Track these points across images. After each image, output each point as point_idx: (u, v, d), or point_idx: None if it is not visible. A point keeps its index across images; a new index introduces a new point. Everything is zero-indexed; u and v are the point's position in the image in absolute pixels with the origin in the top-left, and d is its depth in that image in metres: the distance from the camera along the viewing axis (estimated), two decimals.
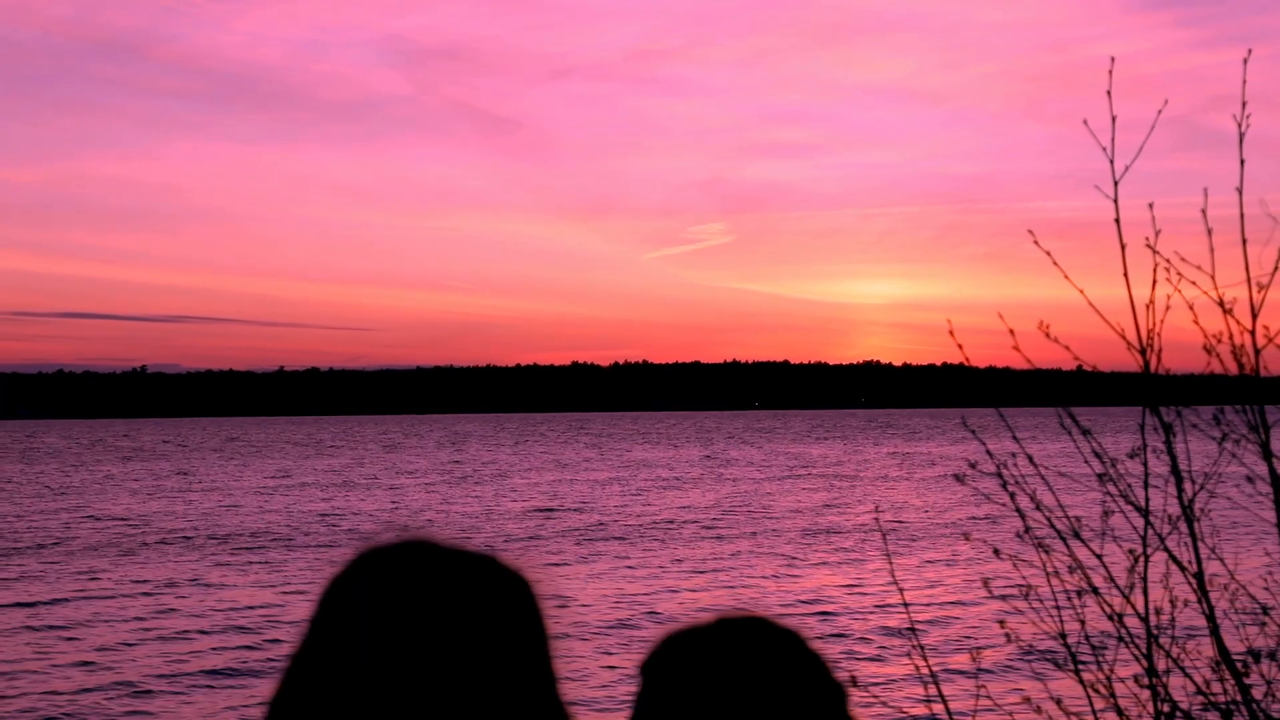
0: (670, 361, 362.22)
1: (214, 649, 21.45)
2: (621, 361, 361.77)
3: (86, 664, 20.36)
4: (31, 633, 23.15)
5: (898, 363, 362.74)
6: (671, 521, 42.88)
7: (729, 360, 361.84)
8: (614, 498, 54.17)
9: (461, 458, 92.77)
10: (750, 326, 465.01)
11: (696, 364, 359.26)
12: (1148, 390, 4.84)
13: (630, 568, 31.14)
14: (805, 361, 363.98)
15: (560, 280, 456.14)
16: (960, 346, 5.17)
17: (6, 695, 18.32)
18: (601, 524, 42.10)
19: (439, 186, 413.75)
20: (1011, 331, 4.88)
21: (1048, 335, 4.86)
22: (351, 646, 1.51)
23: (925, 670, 5.16)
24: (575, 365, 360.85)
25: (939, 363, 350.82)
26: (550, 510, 47.84)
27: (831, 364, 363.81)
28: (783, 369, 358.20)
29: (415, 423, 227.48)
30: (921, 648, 5.28)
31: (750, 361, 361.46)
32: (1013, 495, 5.04)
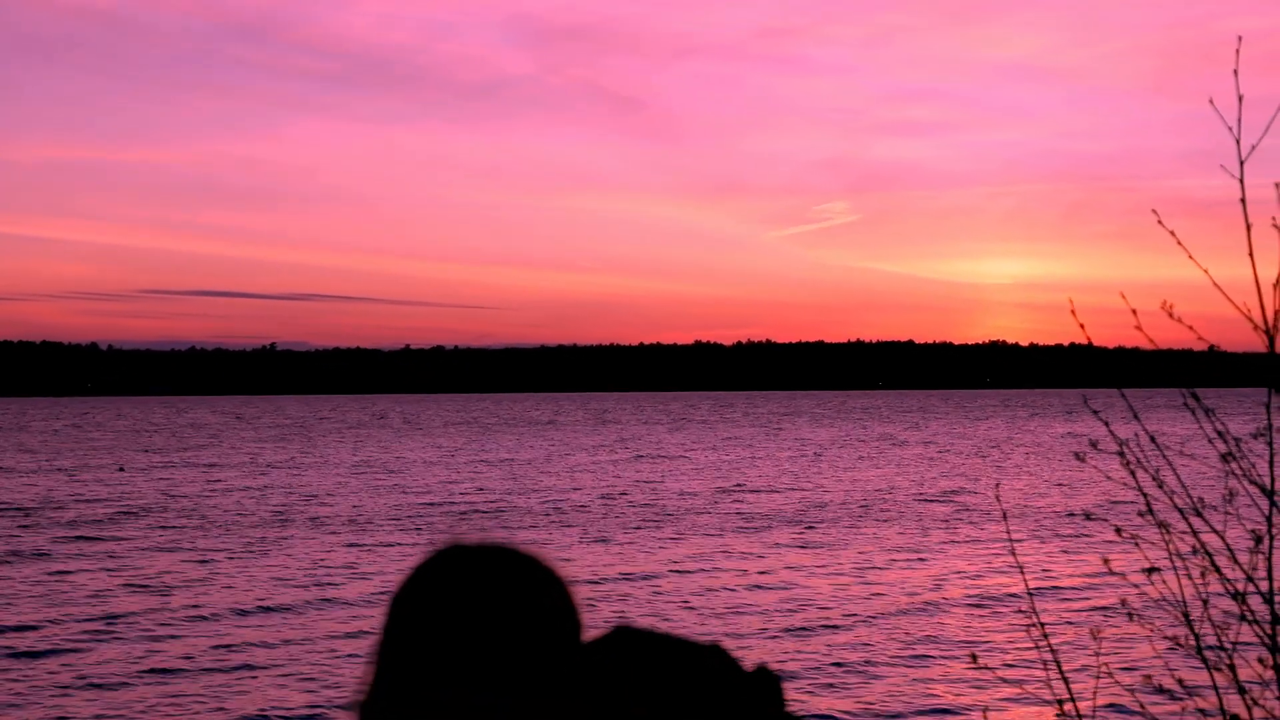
0: (794, 341, 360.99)
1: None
2: (745, 341, 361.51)
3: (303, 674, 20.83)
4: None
5: (1024, 343, 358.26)
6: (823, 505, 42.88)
7: (853, 340, 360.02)
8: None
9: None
10: (874, 306, 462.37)
11: (820, 343, 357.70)
12: (1272, 371, 4.82)
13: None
14: (930, 341, 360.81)
15: (684, 259, 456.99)
16: (1083, 327, 5.19)
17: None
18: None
19: (565, 166, 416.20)
20: (1134, 312, 4.89)
21: (1171, 315, 4.85)
22: (413, 643, 1.74)
23: (1046, 648, 5.20)
24: (699, 344, 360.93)
25: (1066, 343, 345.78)
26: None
27: (957, 344, 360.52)
28: (907, 349, 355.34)
29: (563, 401, 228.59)
30: (1042, 625, 5.31)
31: (874, 341, 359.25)
32: (1134, 474, 5.05)
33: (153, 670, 18.45)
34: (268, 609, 23.01)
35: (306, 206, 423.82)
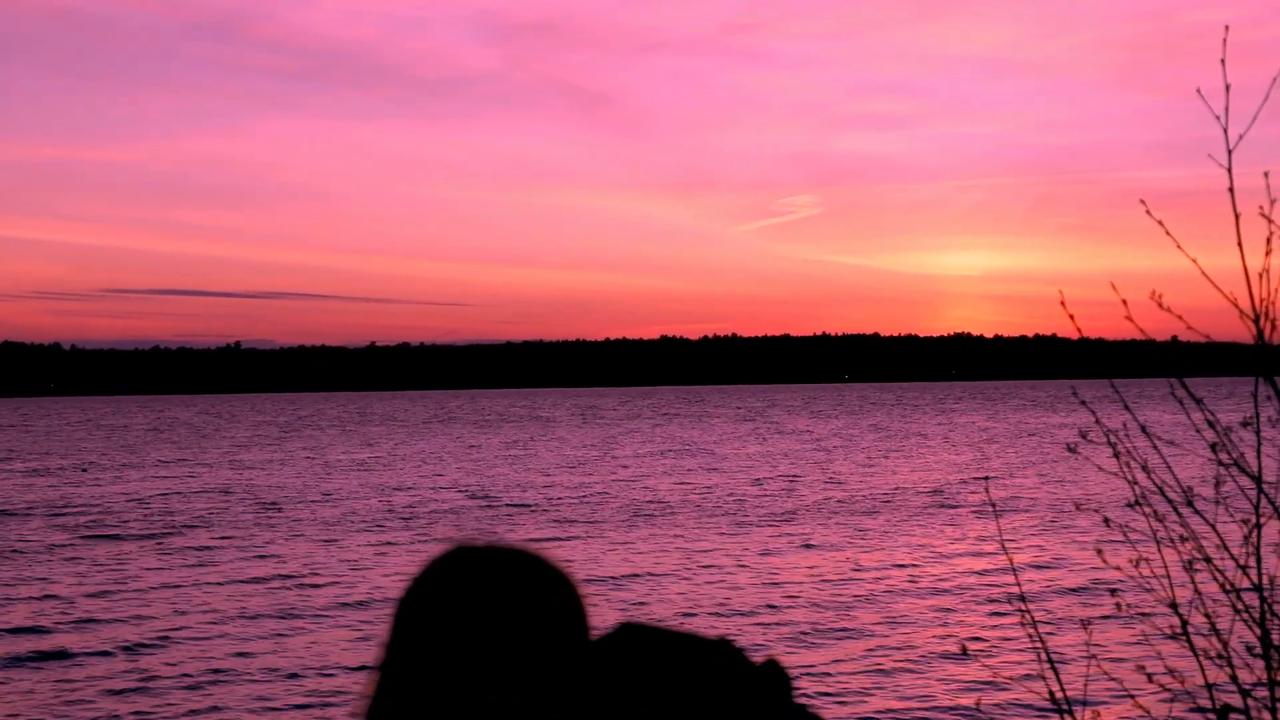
0: (760, 335, 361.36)
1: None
2: (711, 335, 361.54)
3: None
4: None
5: (989, 334, 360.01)
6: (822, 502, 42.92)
7: (819, 333, 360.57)
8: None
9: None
10: (840, 299, 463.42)
11: (786, 337, 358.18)
12: (1262, 360, 4.82)
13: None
14: (896, 334, 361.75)
15: (650, 254, 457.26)
16: (1073, 317, 5.18)
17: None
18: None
19: (531, 162, 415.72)
20: (1124, 302, 4.88)
21: (1160, 305, 4.85)
22: (426, 645, 1.72)
23: (1036, 640, 5.19)
24: (665, 339, 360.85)
25: (1031, 334, 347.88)
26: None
27: (922, 336, 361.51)
28: (873, 341, 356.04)
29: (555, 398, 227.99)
30: (1032, 617, 5.30)
31: (840, 334, 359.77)
32: (1127, 464, 5.04)
33: (153, 677, 18.31)
34: (261, 610, 22.83)
35: (271, 204, 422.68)
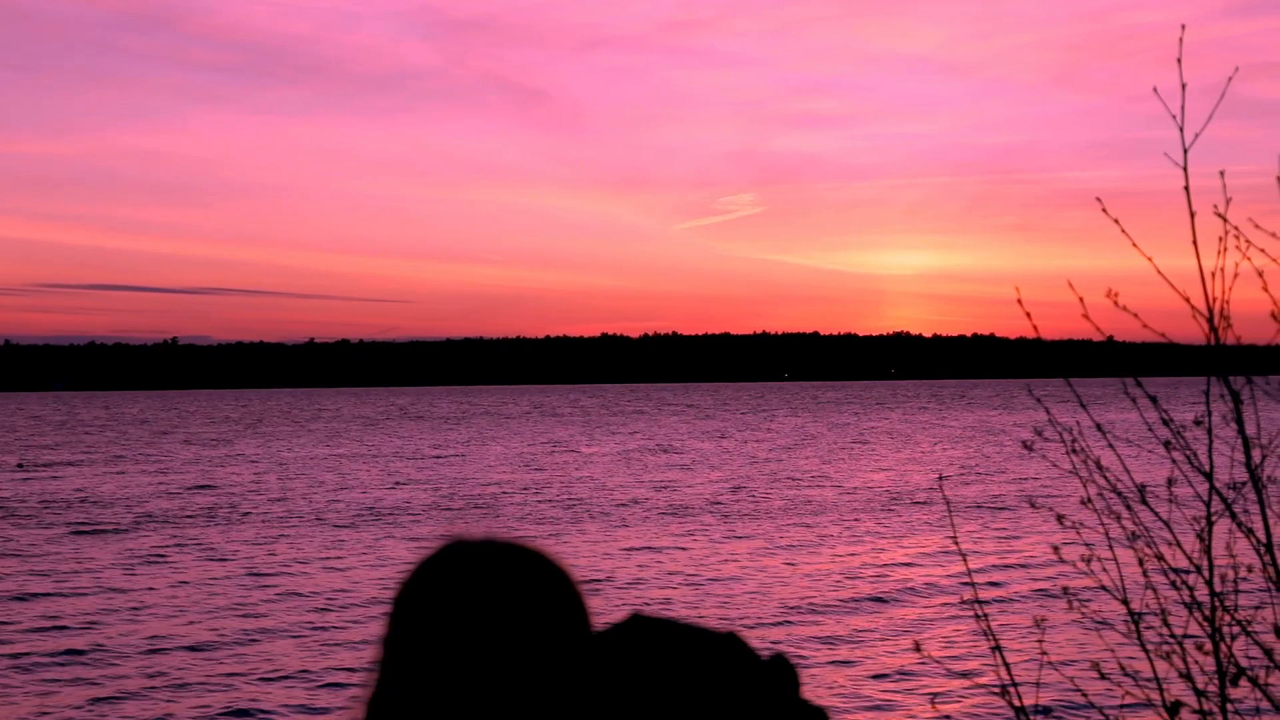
0: (700, 333, 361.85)
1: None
2: (651, 333, 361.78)
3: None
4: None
5: (928, 333, 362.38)
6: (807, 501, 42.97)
7: (758, 332, 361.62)
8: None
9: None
10: (780, 298, 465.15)
11: (726, 335, 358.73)
12: (1215, 359, 4.85)
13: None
14: (835, 333, 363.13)
15: (590, 252, 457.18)
16: (1029, 315, 5.19)
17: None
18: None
19: (469, 158, 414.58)
20: (1081, 300, 4.90)
21: (1116, 304, 4.87)
22: (430, 642, 1.72)
23: (989, 637, 5.20)
24: (605, 337, 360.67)
25: (969, 333, 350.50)
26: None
27: (861, 335, 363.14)
28: (812, 340, 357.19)
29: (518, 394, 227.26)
30: (985, 615, 5.32)
31: (780, 333, 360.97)
32: (1082, 462, 5.06)
33: (158, 679, 18.10)
34: (241, 610, 22.59)
35: (208, 199, 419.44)
